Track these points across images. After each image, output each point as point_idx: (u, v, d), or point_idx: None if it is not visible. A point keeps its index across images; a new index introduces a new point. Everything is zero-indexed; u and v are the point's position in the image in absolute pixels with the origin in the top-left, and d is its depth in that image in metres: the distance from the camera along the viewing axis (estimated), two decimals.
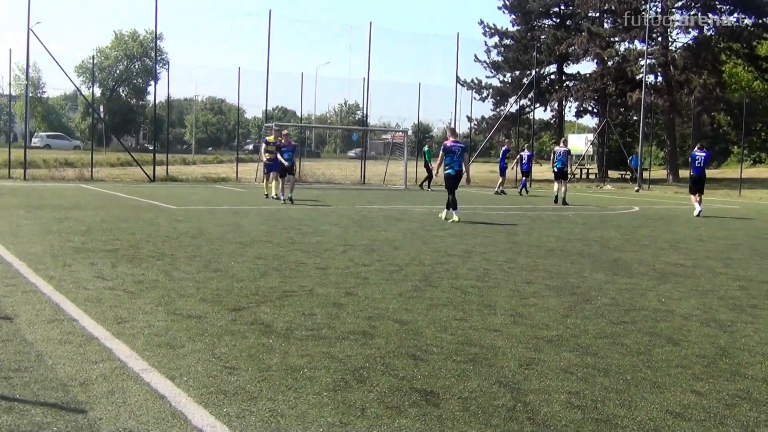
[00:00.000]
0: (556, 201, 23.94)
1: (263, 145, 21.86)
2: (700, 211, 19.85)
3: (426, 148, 32.00)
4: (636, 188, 31.81)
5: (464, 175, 16.09)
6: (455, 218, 15.60)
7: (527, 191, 29.86)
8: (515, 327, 6.19)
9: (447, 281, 8.30)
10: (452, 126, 22.61)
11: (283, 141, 20.46)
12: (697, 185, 20.68)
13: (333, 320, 6.18)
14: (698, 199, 20.29)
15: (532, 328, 6.16)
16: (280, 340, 5.48)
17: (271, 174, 21.32)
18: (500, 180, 29.82)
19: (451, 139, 16.24)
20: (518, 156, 31.37)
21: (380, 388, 4.50)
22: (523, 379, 4.79)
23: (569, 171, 25.33)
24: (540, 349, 5.54)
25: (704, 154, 20.93)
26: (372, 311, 6.57)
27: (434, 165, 20.14)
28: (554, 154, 25.26)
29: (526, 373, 4.92)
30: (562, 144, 25.86)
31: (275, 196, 20.90)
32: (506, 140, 30.53)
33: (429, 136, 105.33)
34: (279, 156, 20.21)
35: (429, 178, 30.27)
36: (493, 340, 5.72)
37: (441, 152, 16.24)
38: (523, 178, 30.57)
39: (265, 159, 21.68)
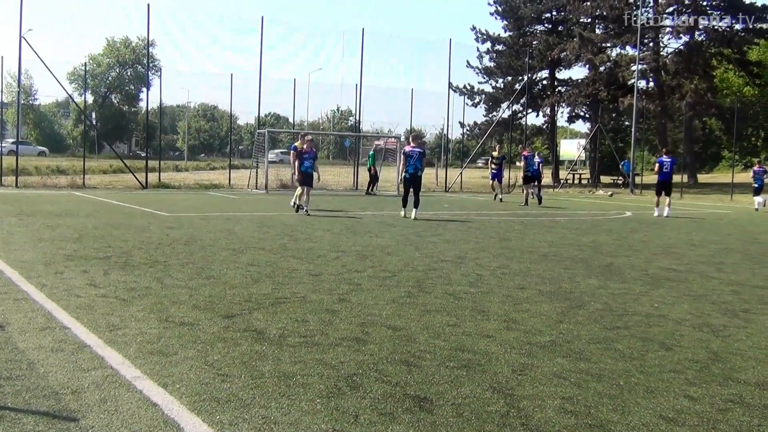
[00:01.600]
0: (538, 200, 26.11)
1: (293, 152, 20.10)
2: (668, 214, 21.48)
3: (372, 153, 32.34)
4: (756, 207, 29.34)
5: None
6: (405, 214, 17.89)
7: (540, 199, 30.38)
8: (508, 333, 6.19)
9: (440, 287, 8.29)
10: (414, 132, 23.11)
11: (305, 146, 18.46)
12: (664, 187, 22.17)
13: (326, 327, 6.17)
14: (667, 201, 21.80)
15: (526, 334, 6.16)
16: (273, 347, 5.47)
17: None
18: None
19: (412, 144, 18.00)
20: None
21: (373, 395, 4.50)
22: (516, 385, 4.79)
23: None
24: (533, 354, 5.54)
25: (670, 159, 22.45)
26: (365, 317, 6.57)
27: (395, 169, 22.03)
28: (525, 159, 26.97)
29: (520, 379, 4.92)
30: (529, 150, 28.14)
31: (293, 204, 18.83)
32: (497, 146, 30.75)
33: (421, 142, 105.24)
34: (296, 163, 18.41)
35: (374, 181, 30.92)
36: (487, 346, 5.72)
37: (402, 156, 18.29)
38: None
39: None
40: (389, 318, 6.58)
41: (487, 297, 7.80)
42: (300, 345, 5.56)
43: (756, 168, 29.71)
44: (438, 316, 6.75)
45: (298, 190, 18.48)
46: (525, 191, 26.58)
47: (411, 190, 17.99)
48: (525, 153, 27.68)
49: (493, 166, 27.72)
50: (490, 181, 28.22)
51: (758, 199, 28.80)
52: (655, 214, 21.84)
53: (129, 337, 5.62)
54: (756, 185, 29.15)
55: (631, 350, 5.77)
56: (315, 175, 18.44)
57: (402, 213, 18.27)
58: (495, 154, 28.13)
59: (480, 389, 4.68)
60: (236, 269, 9.05)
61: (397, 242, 12.65)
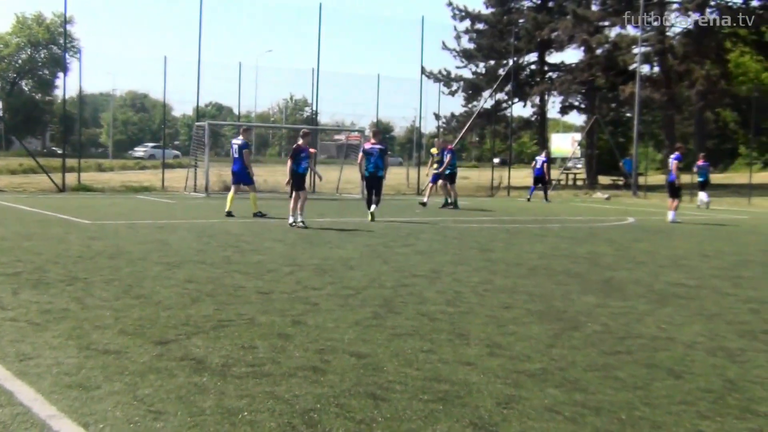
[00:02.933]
0: (453, 205, 26.35)
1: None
2: (673, 219, 22.02)
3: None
4: (699, 204, 31.73)
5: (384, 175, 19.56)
6: (371, 216, 18.92)
7: (547, 199, 32.81)
8: (492, 359, 6.22)
9: (412, 306, 8.30)
10: (375, 128, 23.65)
11: (301, 143, 17.76)
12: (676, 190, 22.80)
13: (278, 354, 6.15)
14: (675, 205, 22.34)
15: (512, 361, 6.19)
16: (215, 379, 5.44)
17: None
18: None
19: (372, 140, 19.62)
20: (533, 160, 34.40)
21: None
22: (501, 420, 4.81)
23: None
24: (521, 384, 5.57)
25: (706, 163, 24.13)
26: (324, 343, 6.55)
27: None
28: (435, 155, 27.36)
29: (505, 414, 4.94)
30: (439, 142, 28.58)
31: (293, 222, 17.32)
32: (436, 140, 31.22)
33: (390, 136, 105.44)
34: (289, 163, 17.59)
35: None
36: (467, 375, 5.74)
37: (360, 154, 19.95)
38: (533, 185, 33.54)
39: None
40: (352, 343, 6.58)
41: (467, 318, 7.82)
42: (247, 376, 5.54)
43: (700, 162, 32.56)
44: (410, 340, 6.76)
45: (292, 201, 17.45)
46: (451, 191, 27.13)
47: (373, 190, 19.45)
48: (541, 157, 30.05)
49: (435, 165, 27.10)
50: (430, 184, 27.69)
51: (702, 194, 31.81)
52: (669, 218, 22.33)
53: (43, 368, 5.56)
54: (700, 180, 32.12)
55: (635, 379, 5.82)
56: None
57: (368, 218, 19.01)
58: (434, 150, 27.91)
59: (459, 426, 4.69)
60: (171, 287, 8.99)
61: (361, 254, 12.65)
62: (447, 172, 26.33)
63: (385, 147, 20.03)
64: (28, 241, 12.97)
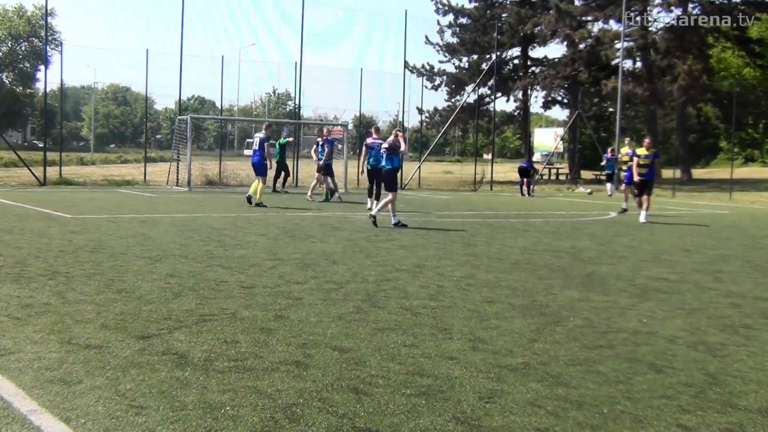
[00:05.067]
0: (326, 198, 25.00)
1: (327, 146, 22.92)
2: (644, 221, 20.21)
3: (282, 141, 30.62)
4: (609, 193, 34.08)
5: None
6: (371, 206, 19.82)
7: (530, 194, 33.19)
8: (474, 354, 6.23)
9: (395, 301, 8.31)
10: (377, 125, 23.66)
11: (326, 135, 21.78)
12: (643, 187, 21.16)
13: (260, 349, 6.14)
14: (645, 204, 20.64)
15: (494, 355, 6.21)
16: (198, 373, 5.43)
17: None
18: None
19: (374, 135, 20.42)
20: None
21: (316, 428, 4.49)
22: (483, 415, 4.82)
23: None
24: (503, 379, 5.59)
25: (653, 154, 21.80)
26: (306, 337, 6.55)
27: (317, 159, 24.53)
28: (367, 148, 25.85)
29: (488, 408, 4.95)
30: (324, 133, 26.10)
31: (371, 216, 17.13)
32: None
33: (369, 132, 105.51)
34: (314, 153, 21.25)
35: (285, 176, 29.84)
36: (449, 370, 5.75)
37: (363, 148, 20.80)
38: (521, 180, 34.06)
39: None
40: (335, 338, 6.58)
41: (450, 312, 7.84)
42: (229, 370, 5.53)
43: (608, 155, 35.52)
44: (392, 335, 6.77)
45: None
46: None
47: (374, 181, 20.51)
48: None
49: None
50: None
51: (609, 185, 35.28)
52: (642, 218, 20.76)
53: (24, 363, 5.53)
54: (608, 172, 35.59)
55: (616, 373, 5.85)
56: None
57: (368, 207, 20.47)
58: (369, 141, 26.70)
59: (441, 420, 4.70)
60: (153, 281, 8.96)
61: (344, 248, 12.65)
62: (324, 162, 24.99)
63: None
64: (9, 235, 12.90)
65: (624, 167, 25.55)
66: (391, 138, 17.31)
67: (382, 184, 18.67)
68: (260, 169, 21.83)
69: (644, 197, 20.57)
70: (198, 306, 7.67)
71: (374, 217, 16.44)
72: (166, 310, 7.45)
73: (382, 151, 17.60)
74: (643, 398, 5.27)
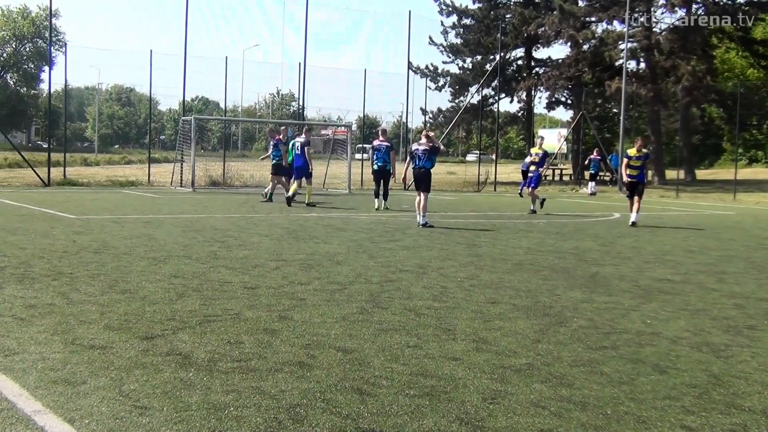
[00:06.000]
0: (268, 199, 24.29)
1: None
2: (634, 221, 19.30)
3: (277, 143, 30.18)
4: (590, 191, 34.98)
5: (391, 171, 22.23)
6: (378, 206, 21.78)
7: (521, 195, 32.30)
8: (478, 354, 6.23)
9: (398, 302, 8.31)
10: (383, 127, 24.20)
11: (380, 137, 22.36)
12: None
13: (264, 349, 6.14)
14: (637, 206, 19.61)
15: (498, 356, 6.20)
16: (202, 374, 5.43)
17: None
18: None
19: (380, 138, 21.97)
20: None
21: (320, 429, 4.49)
22: (487, 416, 4.82)
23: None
24: (507, 380, 5.58)
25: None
26: (310, 338, 6.55)
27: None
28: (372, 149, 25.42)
29: (491, 408, 4.95)
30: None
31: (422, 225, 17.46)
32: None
33: (376, 131, 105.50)
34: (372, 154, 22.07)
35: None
36: (453, 371, 5.75)
37: (371, 150, 22.48)
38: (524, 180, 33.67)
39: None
40: (339, 338, 6.58)
41: (454, 313, 7.84)
42: (233, 371, 5.53)
43: (593, 156, 38.35)
44: (396, 335, 6.77)
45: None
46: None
47: (381, 181, 21.82)
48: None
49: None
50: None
51: (591, 184, 37.74)
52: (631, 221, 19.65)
53: (28, 364, 5.54)
54: (592, 171, 38.23)
55: (620, 374, 5.84)
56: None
57: (376, 207, 21.93)
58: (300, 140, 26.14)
59: (445, 421, 4.70)
60: (157, 282, 8.97)
61: (347, 249, 12.65)
62: (273, 162, 24.19)
63: (391, 144, 22.57)
64: (13, 236, 12.92)
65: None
66: (425, 140, 17.56)
67: (421, 185, 17.98)
68: (304, 172, 22.73)
69: (635, 199, 19.56)
70: (202, 307, 7.68)
71: (426, 223, 17.03)
72: (170, 310, 7.45)
73: (421, 153, 17.50)
74: (647, 399, 5.27)
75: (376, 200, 22.29)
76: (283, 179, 24.08)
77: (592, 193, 36.76)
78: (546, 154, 24.39)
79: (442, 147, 19.05)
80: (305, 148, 22.55)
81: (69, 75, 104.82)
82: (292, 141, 23.58)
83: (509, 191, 36.09)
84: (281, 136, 24.66)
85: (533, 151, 24.51)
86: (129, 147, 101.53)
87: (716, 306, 8.78)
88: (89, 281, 8.88)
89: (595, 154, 38.47)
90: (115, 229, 14.65)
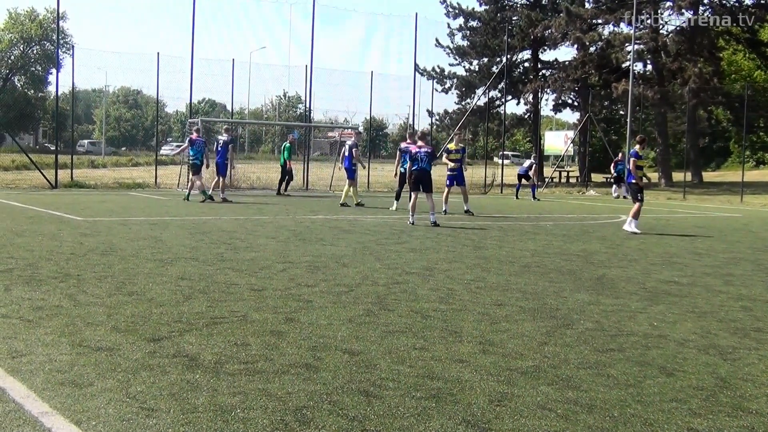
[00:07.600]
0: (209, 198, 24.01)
1: (445, 153, 23.71)
2: (632, 229, 18.01)
3: (287, 144, 29.76)
4: (615, 194, 35.18)
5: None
6: (392, 207, 22.69)
7: (534, 198, 32.55)
8: (485, 357, 6.22)
9: (405, 304, 8.31)
10: (421, 131, 23.50)
11: (414, 143, 21.93)
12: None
13: (270, 351, 6.15)
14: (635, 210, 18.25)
15: (505, 358, 6.20)
16: (208, 376, 5.44)
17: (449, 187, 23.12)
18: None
19: (420, 142, 19.93)
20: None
21: (327, 431, 4.49)
22: (494, 418, 4.82)
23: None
24: (513, 382, 5.58)
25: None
26: (317, 340, 6.56)
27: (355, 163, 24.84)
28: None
29: (498, 411, 4.95)
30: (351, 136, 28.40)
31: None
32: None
33: (383, 134, 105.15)
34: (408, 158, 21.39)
35: (288, 179, 29.25)
36: (459, 373, 5.75)
37: (399, 153, 22.50)
38: (518, 183, 33.86)
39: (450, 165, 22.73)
40: (345, 340, 6.58)
41: (460, 315, 7.83)
42: (240, 373, 5.54)
43: (618, 159, 37.77)
44: (402, 337, 6.76)
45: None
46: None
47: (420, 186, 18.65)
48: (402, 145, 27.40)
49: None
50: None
51: (615, 187, 37.83)
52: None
53: (35, 365, 5.55)
54: (616, 175, 37.55)
55: (627, 376, 5.83)
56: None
57: (393, 206, 22.92)
58: (222, 137, 25.86)
59: (452, 423, 4.69)
60: (164, 284, 8.98)
61: (354, 251, 12.65)
62: (192, 162, 23.96)
63: (433, 150, 22.19)
64: (20, 238, 12.94)
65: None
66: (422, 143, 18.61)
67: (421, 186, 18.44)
68: (350, 173, 24.11)
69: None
70: (208, 309, 7.68)
71: (435, 223, 17.72)
72: (177, 312, 7.46)
73: (423, 155, 18.28)
74: (654, 402, 5.26)
75: (395, 202, 23.04)
76: (199, 178, 23.94)
77: (617, 196, 36.39)
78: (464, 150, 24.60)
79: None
80: (353, 150, 24.18)
81: (76, 77, 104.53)
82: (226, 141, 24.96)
83: (508, 193, 35.94)
84: (195, 136, 24.16)
85: (451, 147, 23.90)
86: (136, 149, 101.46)
87: (723, 308, 8.76)
88: (96, 283, 8.89)
89: (620, 157, 37.78)
90: (122, 231, 14.67)
